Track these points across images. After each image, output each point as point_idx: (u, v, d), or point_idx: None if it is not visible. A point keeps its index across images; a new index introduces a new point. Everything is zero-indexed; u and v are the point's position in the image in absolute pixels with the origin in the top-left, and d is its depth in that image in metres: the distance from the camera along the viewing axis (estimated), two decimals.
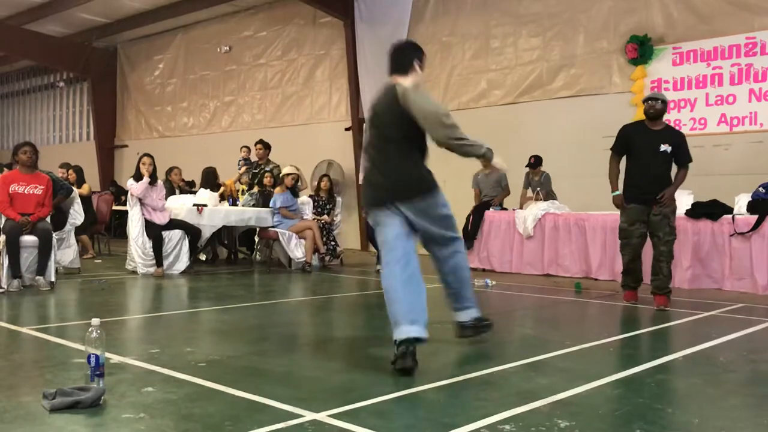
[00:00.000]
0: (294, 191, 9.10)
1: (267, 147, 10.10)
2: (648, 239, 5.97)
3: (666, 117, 9.23)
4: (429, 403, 2.83)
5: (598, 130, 9.77)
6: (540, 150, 9.46)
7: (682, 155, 5.89)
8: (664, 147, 5.82)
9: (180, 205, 8.39)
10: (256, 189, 9.64)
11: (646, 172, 5.85)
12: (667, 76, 9.38)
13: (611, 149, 6.11)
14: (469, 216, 9.45)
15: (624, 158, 6.08)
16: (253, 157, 10.43)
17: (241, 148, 10.92)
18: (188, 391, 2.93)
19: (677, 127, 9.26)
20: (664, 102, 5.99)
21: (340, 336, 4.76)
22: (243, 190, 9.91)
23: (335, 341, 4.54)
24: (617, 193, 6.00)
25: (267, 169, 9.87)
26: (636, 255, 6.00)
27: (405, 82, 3.73)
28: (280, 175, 9.22)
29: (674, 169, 6.01)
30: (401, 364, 3.26)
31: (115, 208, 11.82)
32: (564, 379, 3.25)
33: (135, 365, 3.38)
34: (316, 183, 10.22)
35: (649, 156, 5.85)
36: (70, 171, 10.01)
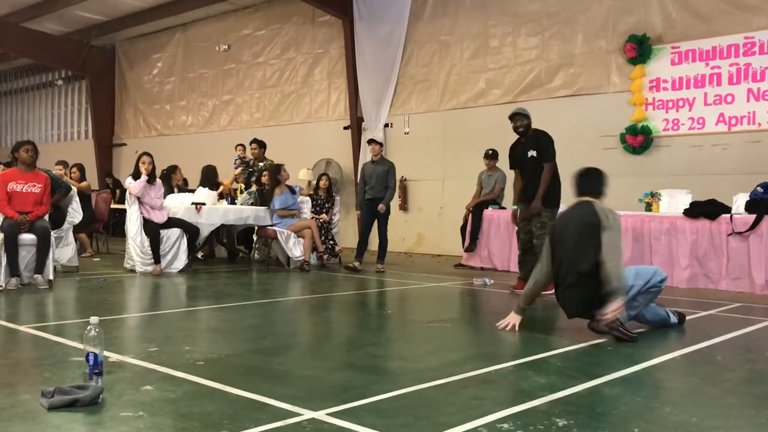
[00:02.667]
0: (292, 188, 9.10)
1: (262, 146, 10.10)
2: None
3: (664, 116, 9.38)
4: (427, 402, 2.84)
5: (596, 130, 9.79)
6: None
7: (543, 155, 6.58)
8: (530, 153, 6.54)
9: (178, 204, 8.39)
10: (254, 188, 9.63)
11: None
12: (665, 75, 9.38)
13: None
14: (467, 215, 9.49)
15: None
16: (249, 157, 10.41)
17: (236, 146, 10.89)
18: (187, 389, 2.93)
19: (674, 128, 9.34)
20: (526, 116, 6.66)
21: (338, 335, 4.76)
22: (241, 189, 9.91)
23: (333, 340, 4.54)
24: (514, 207, 6.81)
25: (262, 166, 9.86)
26: (525, 249, 6.60)
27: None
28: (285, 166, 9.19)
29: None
30: None
31: (113, 206, 11.81)
32: (562, 378, 3.25)
33: (133, 364, 3.38)
34: (314, 182, 10.22)
35: (524, 164, 6.64)
36: (74, 169, 10.03)
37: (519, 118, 6.65)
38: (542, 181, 6.44)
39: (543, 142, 6.58)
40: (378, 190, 8.66)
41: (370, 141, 9.06)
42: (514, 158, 6.80)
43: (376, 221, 8.68)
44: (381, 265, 8.62)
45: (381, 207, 8.52)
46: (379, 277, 8.09)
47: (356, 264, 8.57)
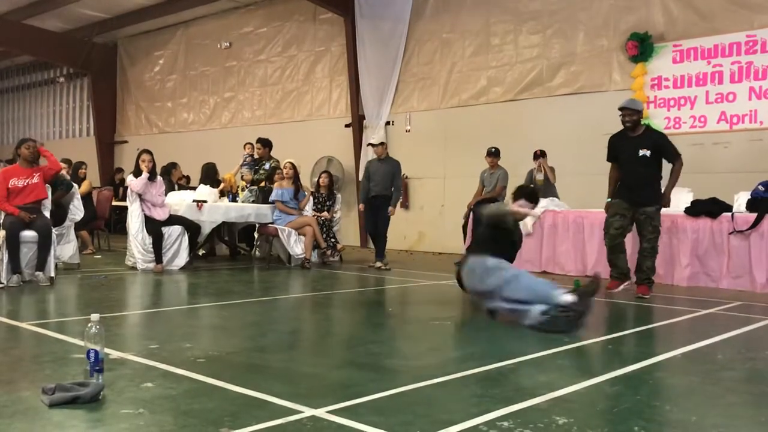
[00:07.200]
0: (296, 188, 8.98)
1: (266, 145, 10.09)
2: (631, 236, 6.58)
3: (666, 115, 9.37)
4: (427, 400, 2.84)
5: (598, 128, 9.74)
6: (540, 147, 9.48)
7: (668, 154, 6.38)
8: (642, 152, 6.29)
9: (180, 201, 8.40)
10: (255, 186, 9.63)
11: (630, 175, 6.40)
12: (667, 73, 9.37)
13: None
14: (468, 213, 9.49)
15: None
16: (256, 156, 10.42)
17: (245, 145, 10.89)
18: (187, 386, 2.93)
19: (675, 126, 9.33)
20: (639, 111, 6.40)
21: (338, 332, 4.77)
22: (243, 187, 9.91)
23: (334, 337, 4.55)
24: (608, 200, 6.56)
25: (266, 165, 9.87)
26: (612, 245, 6.40)
27: None
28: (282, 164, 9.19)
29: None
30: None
31: (114, 203, 11.83)
32: (562, 376, 3.25)
33: (134, 361, 3.38)
34: (315, 179, 10.21)
35: (631, 161, 6.31)
36: (83, 167, 10.07)
37: (627, 113, 6.35)
38: (672, 180, 6.36)
39: (661, 142, 6.36)
40: (383, 188, 8.78)
41: (381, 143, 9.10)
42: (615, 151, 6.51)
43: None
44: (384, 263, 8.68)
45: (392, 210, 8.74)
46: (380, 275, 8.09)
47: (380, 264, 8.68)
